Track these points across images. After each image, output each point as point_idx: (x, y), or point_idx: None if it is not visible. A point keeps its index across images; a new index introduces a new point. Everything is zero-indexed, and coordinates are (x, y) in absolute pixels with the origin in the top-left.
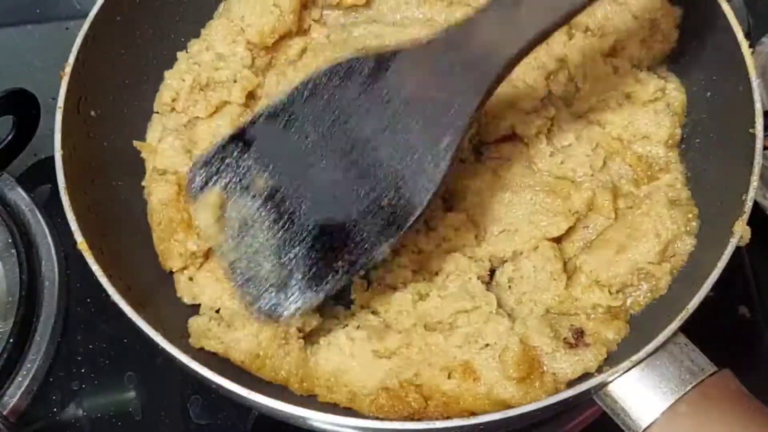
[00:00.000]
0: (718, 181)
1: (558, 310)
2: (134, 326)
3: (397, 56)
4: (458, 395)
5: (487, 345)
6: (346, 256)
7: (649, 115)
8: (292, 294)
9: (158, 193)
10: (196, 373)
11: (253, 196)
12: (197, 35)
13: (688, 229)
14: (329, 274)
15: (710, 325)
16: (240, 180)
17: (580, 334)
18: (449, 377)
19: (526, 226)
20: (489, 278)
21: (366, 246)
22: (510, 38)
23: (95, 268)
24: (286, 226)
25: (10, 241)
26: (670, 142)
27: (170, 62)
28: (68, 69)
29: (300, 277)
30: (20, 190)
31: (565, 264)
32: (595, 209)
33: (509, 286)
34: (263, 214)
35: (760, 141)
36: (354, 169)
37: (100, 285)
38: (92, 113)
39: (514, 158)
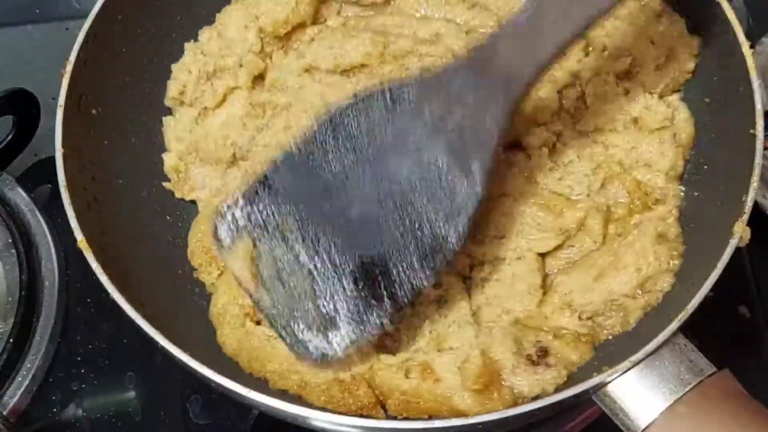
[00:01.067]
0: (718, 182)
1: (525, 324)
2: (134, 326)
3: (416, 84)
4: (418, 394)
5: (450, 348)
6: (388, 290)
7: (654, 144)
8: (337, 335)
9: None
10: (196, 372)
11: (284, 240)
12: (197, 33)
13: (669, 267)
14: (373, 310)
15: (710, 325)
16: (268, 227)
17: (544, 353)
18: (407, 376)
19: (514, 236)
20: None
21: (406, 278)
22: (529, 57)
23: (95, 266)
24: (323, 266)
25: (10, 241)
26: (671, 173)
27: (172, 60)
28: (69, 67)
29: (343, 316)
30: (20, 190)
31: (544, 279)
32: (585, 230)
33: (482, 286)
34: (297, 257)
35: (761, 142)
36: (385, 202)
37: (100, 285)
38: (93, 111)
39: (515, 168)
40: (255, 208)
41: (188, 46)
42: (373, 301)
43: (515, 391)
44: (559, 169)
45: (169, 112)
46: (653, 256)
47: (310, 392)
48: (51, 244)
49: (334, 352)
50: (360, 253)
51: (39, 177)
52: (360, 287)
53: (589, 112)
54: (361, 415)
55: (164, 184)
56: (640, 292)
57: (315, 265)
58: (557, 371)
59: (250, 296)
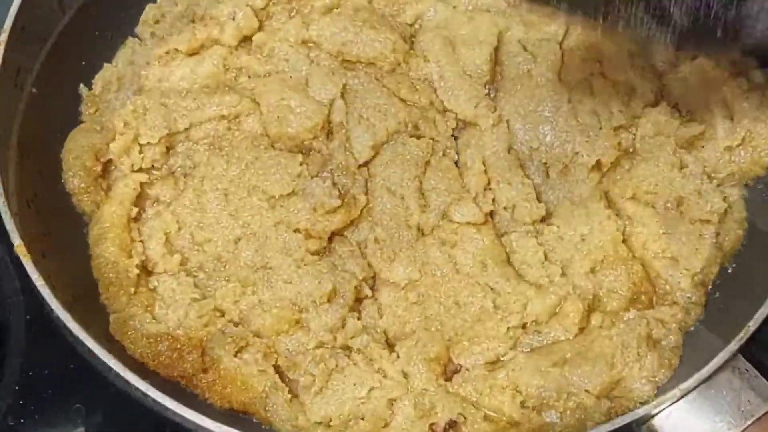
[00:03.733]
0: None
1: (456, 392)
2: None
3: None
4: (229, 378)
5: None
6: None
7: (692, 237)
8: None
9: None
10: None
11: None
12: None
13: (654, 377)
14: None
15: None
16: None
17: (450, 426)
18: (236, 355)
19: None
20: None
21: None
22: None
23: (35, 276)
24: None
25: None
26: (698, 277)
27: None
28: (4, 36)
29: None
30: None
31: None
32: (558, 317)
33: None
34: None
35: None
36: None
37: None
38: (33, 90)
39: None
40: None
41: None
42: None
43: None
44: (544, 234)
45: None
46: (634, 356)
47: (135, 342)
48: None
49: None
50: None
51: None
52: None
53: (635, 172)
54: (178, 382)
55: (81, 88)
56: (606, 392)
57: None
58: None
59: None
